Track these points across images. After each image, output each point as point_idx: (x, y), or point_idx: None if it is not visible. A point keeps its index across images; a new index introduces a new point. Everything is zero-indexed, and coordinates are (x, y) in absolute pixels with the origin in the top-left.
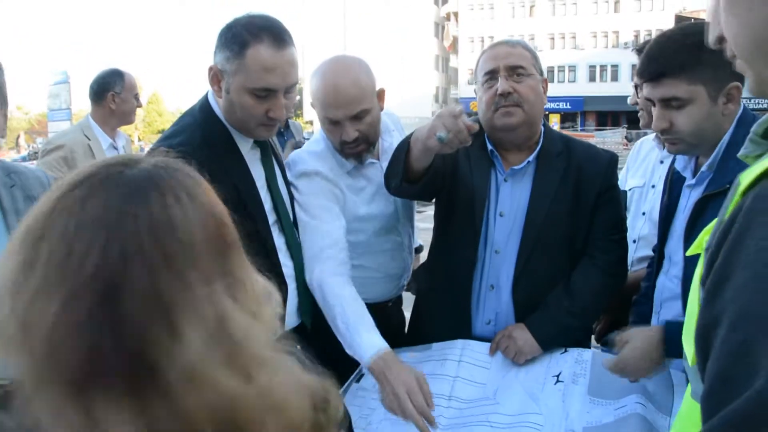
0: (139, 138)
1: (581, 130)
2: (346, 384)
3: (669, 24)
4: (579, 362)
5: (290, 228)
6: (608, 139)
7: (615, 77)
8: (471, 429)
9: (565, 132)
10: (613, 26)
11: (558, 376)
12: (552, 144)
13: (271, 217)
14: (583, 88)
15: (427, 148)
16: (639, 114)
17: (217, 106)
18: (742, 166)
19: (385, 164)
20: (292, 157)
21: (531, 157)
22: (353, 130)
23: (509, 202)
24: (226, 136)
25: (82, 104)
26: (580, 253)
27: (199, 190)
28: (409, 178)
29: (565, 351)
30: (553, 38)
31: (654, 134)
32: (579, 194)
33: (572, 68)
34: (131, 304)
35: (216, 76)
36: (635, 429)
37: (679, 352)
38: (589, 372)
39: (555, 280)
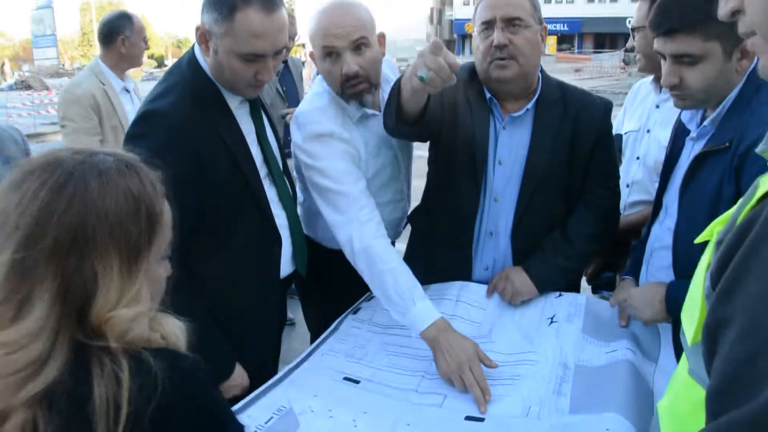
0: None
1: (578, 52)
2: (342, 316)
3: None
4: (573, 305)
5: (281, 179)
6: (605, 62)
7: None
8: None
9: (562, 54)
10: None
11: (552, 317)
12: (549, 91)
13: (263, 170)
14: (581, 9)
15: (412, 88)
16: (636, 58)
17: (205, 63)
18: (744, 125)
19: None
20: (299, 117)
21: (529, 105)
22: (354, 63)
23: (508, 149)
24: (215, 93)
25: (67, 29)
26: (575, 200)
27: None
28: (404, 119)
29: (560, 295)
30: None
31: (651, 78)
32: (576, 141)
33: None
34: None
35: (203, 36)
36: (625, 374)
37: (678, 315)
38: (584, 314)
39: (552, 227)
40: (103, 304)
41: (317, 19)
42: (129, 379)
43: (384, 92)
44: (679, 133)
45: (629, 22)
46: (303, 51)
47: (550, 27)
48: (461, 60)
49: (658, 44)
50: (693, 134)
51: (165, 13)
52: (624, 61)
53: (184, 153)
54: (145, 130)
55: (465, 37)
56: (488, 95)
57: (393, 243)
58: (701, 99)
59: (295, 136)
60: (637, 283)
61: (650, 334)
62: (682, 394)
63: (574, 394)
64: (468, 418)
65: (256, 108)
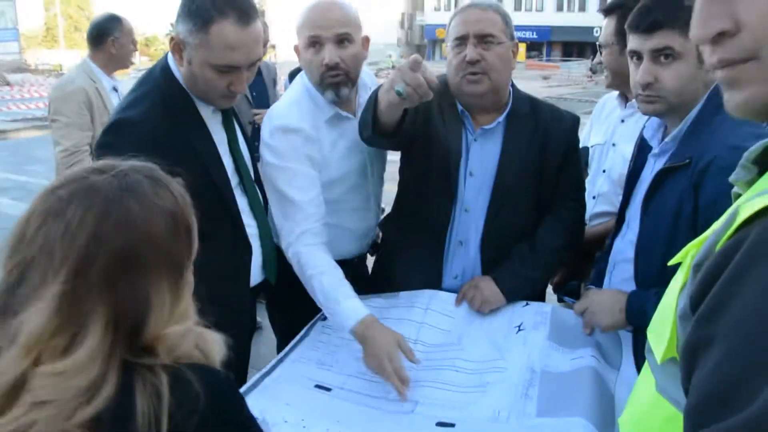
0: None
1: (547, 60)
2: (311, 322)
3: None
4: (539, 313)
5: (252, 188)
6: (574, 70)
7: (582, 7)
8: (438, 372)
9: (530, 62)
10: None
11: (519, 326)
12: (520, 105)
13: (234, 179)
14: (550, 17)
15: (389, 101)
16: (605, 75)
17: (178, 72)
18: (703, 143)
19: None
20: (272, 110)
21: (500, 118)
22: (336, 55)
23: (479, 161)
24: (187, 102)
25: (30, 24)
26: (543, 210)
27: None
28: (380, 130)
29: (527, 304)
30: None
31: (617, 93)
32: (545, 155)
33: None
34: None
35: (178, 46)
36: (589, 380)
37: (637, 324)
38: (549, 322)
39: (520, 237)
40: (157, 324)
41: (306, 11)
42: (169, 395)
43: (361, 98)
44: (642, 148)
45: (597, 31)
46: (273, 52)
47: (519, 34)
48: (432, 65)
49: (636, 43)
50: (655, 150)
51: (132, 11)
52: (591, 69)
53: (155, 162)
54: (116, 139)
55: (436, 42)
56: (460, 108)
57: (365, 254)
58: (671, 102)
59: (264, 130)
60: None
61: (613, 342)
62: (650, 411)
63: (540, 398)
64: (439, 424)
65: (229, 117)
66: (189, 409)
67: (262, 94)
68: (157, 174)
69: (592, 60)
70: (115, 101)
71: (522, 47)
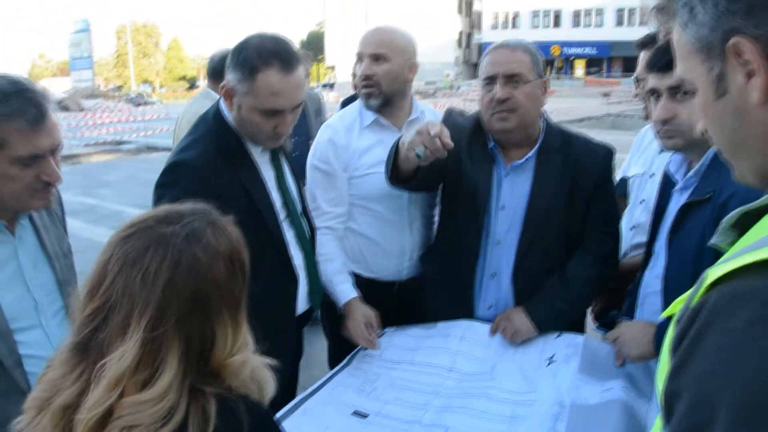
0: (160, 85)
1: (607, 76)
2: (354, 351)
3: None
4: (571, 345)
5: (298, 221)
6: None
7: (643, 21)
8: (471, 400)
9: (590, 78)
10: None
11: (551, 357)
12: (552, 139)
13: (282, 213)
14: (609, 32)
15: (407, 156)
16: (643, 107)
17: (229, 116)
18: (724, 178)
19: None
20: (327, 124)
21: (531, 153)
22: (369, 68)
23: (510, 195)
24: (237, 143)
25: (103, 52)
26: (575, 244)
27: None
28: (398, 176)
29: (559, 335)
30: None
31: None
32: (576, 188)
33: (599, 12)
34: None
35: (228, 93)
36: (618, 414)
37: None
38: (581, 354)
39: (552, 268)
40: (221, 354)
41: (364, 31)
42: (216, 419)
43: (413, 115)
44: (667, 183)
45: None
46: (332, 73)
47: (578, 51)
48: None
49: (655, 81)
50: (679, 185)
51: (195, 35)
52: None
53: (208, 199)
54: (174, 178)
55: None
56: (491, 144)
57: (406, 283)
58: (689, 138)
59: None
60: None
61: (645, 372)
62: None
63: (568, 430)
64: None
65: (276, 155)
66: None
67: (302, 124)
68: (215, 218)
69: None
70: None
71: (581, 64)
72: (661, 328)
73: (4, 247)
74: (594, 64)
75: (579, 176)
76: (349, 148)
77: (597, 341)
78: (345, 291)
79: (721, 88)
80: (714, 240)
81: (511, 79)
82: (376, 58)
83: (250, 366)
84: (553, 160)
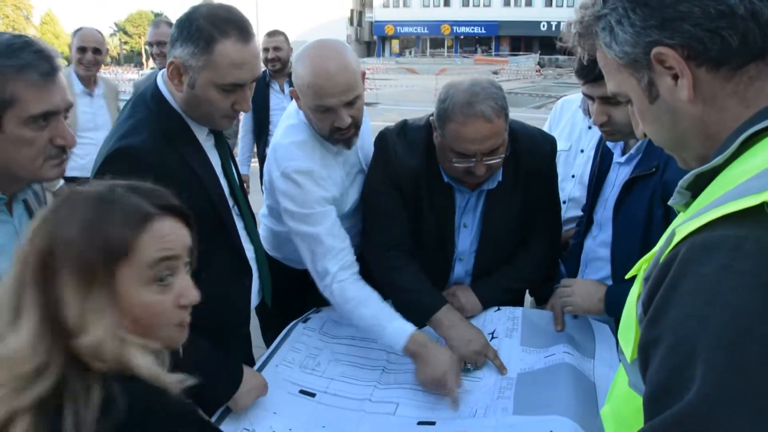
0: None
1: (495, 54)
2: (291, 324)
3: None
4: (511, 319)
5: (247, 212)
6: (522, 64)
7: (529, 2)
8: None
9: (479, 57)
10: None
11: (492, 333)
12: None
13: (230, 202)
14: (497, 12)
15: (459, 358)
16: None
17: (170, 96)
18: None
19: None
20: (278, 150)
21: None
22: (347, 116)
23: (471, 213)
24: (183, 127)
25: None
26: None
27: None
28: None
29: (498, 309)
30: None
31: (579, 100)
32: (528, 192)
33: None
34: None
35: (177, 70)
36: (565, 377)
37: (613, 314)
38: (521, 326)
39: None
40: (73, 315)
41: (311, 72)
42: (100, 394)
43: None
44: (605, 153)
45: (543, 26)
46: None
47: (467, 30)
48: (380, 62)
49: (586, 88)
50: (620, 158)
51: (72, 9)
52: (539, 63)
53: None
54: (121, 167)
55: (385, 39)
56: (446, 179)
57: None
58: (629, 132)
59: (273, 173)
60: None
61: (584, 333)
62: (624, 404)
63: (516, 398)
64: (420, 423)
65: (221, 139)
66: (110, 420)
67: None
68: (119, 188)
69: (540, 54)
70: None
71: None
72: (612, 290)
73: (4, 226)
74: (483, 43)
75: (530, 179)
76: (334, 178)
77: (535, 311)
78: (402, 328)
79: (653, 93)
80: (672, 201)
81: (492, 153)
82: (350, 103)
83: (118, 346)
84: (505, 174)
